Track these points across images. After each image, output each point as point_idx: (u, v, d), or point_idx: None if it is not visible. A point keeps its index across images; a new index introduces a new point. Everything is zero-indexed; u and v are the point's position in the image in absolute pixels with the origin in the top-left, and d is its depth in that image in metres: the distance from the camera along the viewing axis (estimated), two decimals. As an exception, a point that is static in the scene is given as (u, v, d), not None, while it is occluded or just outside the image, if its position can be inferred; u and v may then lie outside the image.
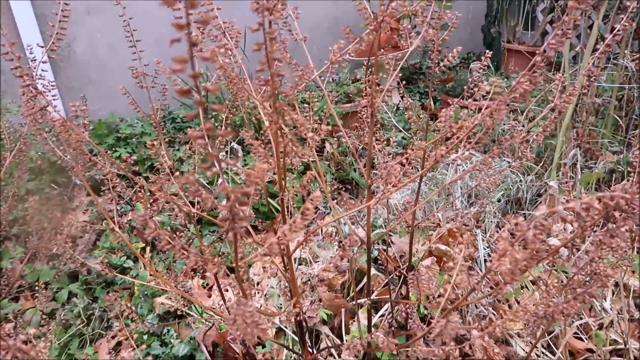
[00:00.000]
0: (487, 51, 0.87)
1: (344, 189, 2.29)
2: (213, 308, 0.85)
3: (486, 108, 0.48)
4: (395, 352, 1.16)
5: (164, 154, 0.77)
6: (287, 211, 0.81)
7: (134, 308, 1.31)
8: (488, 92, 0.91)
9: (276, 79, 0.38)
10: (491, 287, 1.28)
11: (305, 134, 0.49)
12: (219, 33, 0.69)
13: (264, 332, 0.39)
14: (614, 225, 0.44)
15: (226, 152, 1.91)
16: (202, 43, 0.66)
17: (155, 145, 0.71)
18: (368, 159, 0.68)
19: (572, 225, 1.48)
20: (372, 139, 0.67)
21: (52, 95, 0.60)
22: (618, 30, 0.72)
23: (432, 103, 2.95)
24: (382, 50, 0.73)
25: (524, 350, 1.26)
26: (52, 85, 0.64)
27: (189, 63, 0.24)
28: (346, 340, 1.31)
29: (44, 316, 1.25)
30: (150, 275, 1.67)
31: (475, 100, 0.76)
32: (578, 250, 1.41)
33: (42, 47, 0.63)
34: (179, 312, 1.51)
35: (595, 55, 0.62)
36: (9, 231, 1.64)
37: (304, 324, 0.73)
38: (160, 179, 0.64)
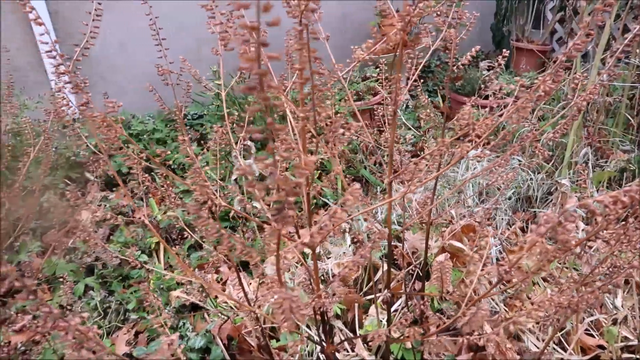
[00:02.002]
0: (505, 50, 0.88)
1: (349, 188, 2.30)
2: (236, 300, 0.87)
3: (512, 105, 0.49)
4: (410, 346, 1.18)
5: (189, 150, 0.79)
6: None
7: (160, 300, 1.33)
8: (500, 90, 0.92)
9: (314, 77, 0.40)
10: (504, 283, 1.29)
11: (335, 131, 0.51)
12: (245, 32, 0.71)
13: (303, 317, 0.41)
14: (636, 219, 0.45)
15: (239, 150, 1.93)
16: (230, 41, 0.68)
17: (185, 140, 0.73)
18: (390, 153, 0.70)
19: (583, 223, 1.49)
20: (394, 135, 0.69)
21: (87, 93, 0.62)
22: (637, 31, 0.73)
23: (441, 101, 2.96)
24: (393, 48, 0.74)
25: (535, 346, 1.27)
26: (84, 83, 0.66)
27: (255, 62, 0.25)
28: (360, 335, 1.33)
29: (68, 307, 1.28)
30: (165, 269, 1.70)
31: (487, 98, 0.77)
32: (590, 248, 1.42)
33: (67, 43, 0.65)
34: (200, 305, 1.53)
35: (615, 54, 0.63)
36: (26, 226, 1.67)
37: (326, 315, 0.75)
38: (195, 173, 0.66)
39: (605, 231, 0.50)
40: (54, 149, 2.12)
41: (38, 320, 1.09)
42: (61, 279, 1.75)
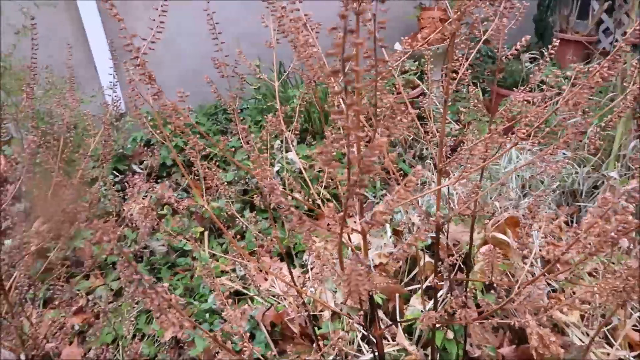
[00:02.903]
0: (555, 40, 0.88)
1: (392, 179, 2.31)
2: (287, 283, 0.90)
3: (568, 91, 0.50)
4: (452, 337, 1.19)
5: (242, 140, 0.82)
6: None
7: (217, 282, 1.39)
8: (544, 83, 0.92)
9: (380, 64, 0.42)
10: (548, 277, 1.27)
11: (394, 117, 0.53)
12: (300, 25, 0.73)
13: (365, 290, 0.43)
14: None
15: (281, 141, 1.97)
16: (287, 35, 0.70)
17: (245, 129, 0.77)
18: (440, 142, 0.71)
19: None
20: (444, 123, 0.70)
21: (154, 86, 0.66)
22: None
23: (481, 94, 2.92)
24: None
25: (580, 340, 1.26)
26: (152, 79, 0.70)
27: (341, 47, 0.28)
28: (400, 325, 1.35)
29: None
30: (210, 257, 1.76)
31: (532, 90, 0.78)
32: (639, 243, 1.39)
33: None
34: (243, 292, 1.58)
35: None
36: (89, 212, 1.76)
37: (374, 300, 0.77)
38: (260, 162, 0.69)
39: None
40: (103, 142, 2.22)
41: (94, 301, 1.16)
42: (113, 266, 1.85)
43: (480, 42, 0.72)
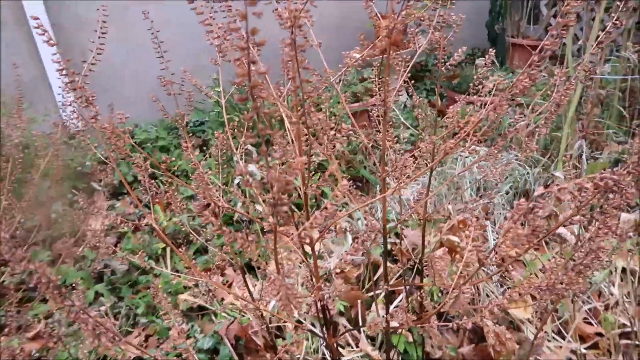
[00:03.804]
0: (492, 48, 0.92)
1: (354, 186, 2.34)
2: (243, 299, 0.91)
3: (490, 103, 0.53)
4: (412, 340, 1.22)
5: (192, 156, 0.83)
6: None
7: (169, 301, 1.37)
8: (493, 88, 0.96)
9: (304, 84, 0.44)
10: (503, 276, 1.31)
11: (327, 132, 0.55)
12: (242, 43, 0.75)
13: (299, 304, 0.45)
14: (607, 205, 0.48)
15: (241, 155, 1.97)
16: (228, 52, 0.72)
17: (188, 147, 0.77)
18: (383, 153, 0.74)
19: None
20: (385, 135, 0.73)
21: (95, 106, 0.66)
22: (615, 26, 0.77)
23: (439, 100, 3.00)
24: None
25: (535, 335, 1.30)
26: (92, 97, 0.70)
27: (247, 77, 0.29)
28: (364, 331, 1.37)
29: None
30: (172, 274, 1.74)
31: (480, 96, 0.81)
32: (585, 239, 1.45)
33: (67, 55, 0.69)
34: (207, 307, 1.57)
35: (592, 49, 0.67)
36: (38, 236, 1.71)
37: (327, 308, 0.79)
38: (198, 176, 0.70)
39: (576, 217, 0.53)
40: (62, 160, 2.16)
41: (52, 325, 1.13)
42: (72, 287, 1.80)
43: (417, 55, 0.75)
